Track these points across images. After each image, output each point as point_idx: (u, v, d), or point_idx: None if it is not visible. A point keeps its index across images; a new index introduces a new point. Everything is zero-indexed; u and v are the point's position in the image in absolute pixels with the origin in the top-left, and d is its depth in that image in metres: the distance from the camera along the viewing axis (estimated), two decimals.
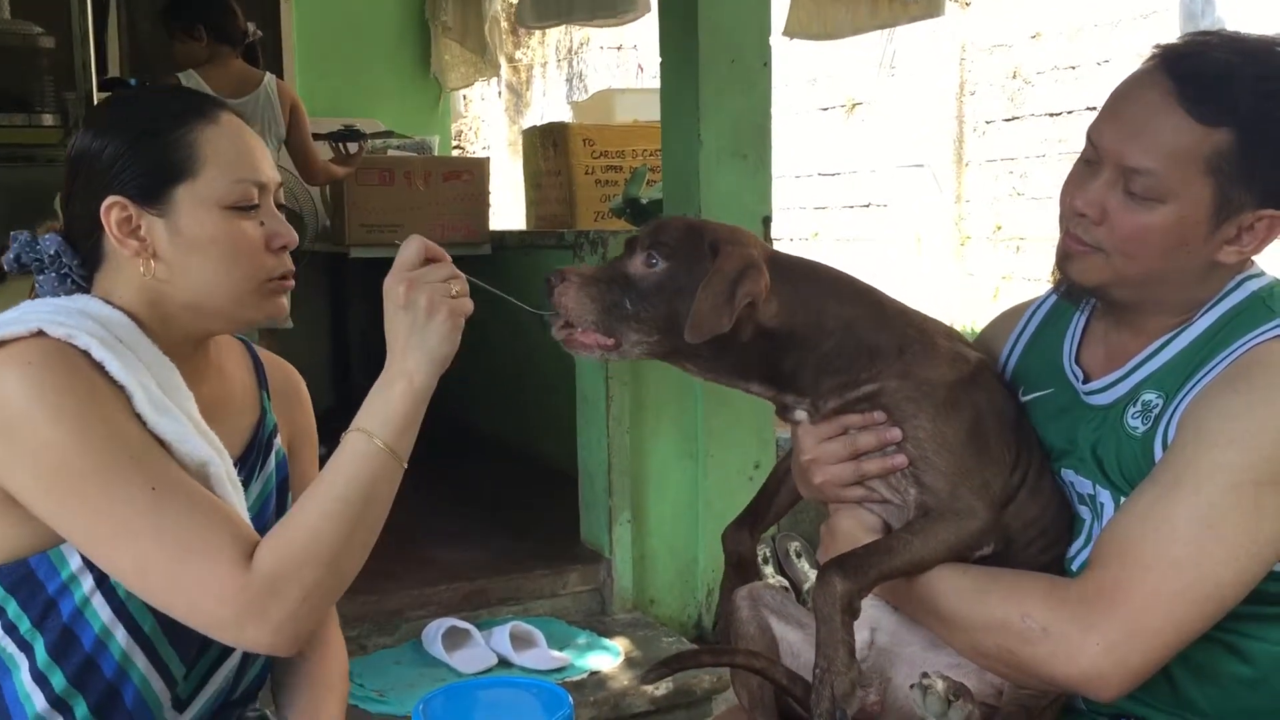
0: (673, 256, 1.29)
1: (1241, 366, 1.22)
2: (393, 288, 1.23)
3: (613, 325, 1.28)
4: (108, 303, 1.31)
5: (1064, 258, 1.33)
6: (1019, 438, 1.35)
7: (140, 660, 1.27)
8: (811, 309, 1.32)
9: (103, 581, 1.24)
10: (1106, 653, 1.17)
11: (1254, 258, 1.31)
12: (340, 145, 4.41)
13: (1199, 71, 1.23)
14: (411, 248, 1.25)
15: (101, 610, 1.25)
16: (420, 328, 1.22)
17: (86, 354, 1.22)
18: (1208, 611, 1.18)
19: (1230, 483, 1.16)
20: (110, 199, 1.29)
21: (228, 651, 1.36)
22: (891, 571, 1.25)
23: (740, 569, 1.49)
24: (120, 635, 1.26)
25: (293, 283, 1.38)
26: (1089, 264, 1.30)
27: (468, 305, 1.26)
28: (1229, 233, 1.25)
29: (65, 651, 1.25)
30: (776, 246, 1.59)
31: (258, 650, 1.24)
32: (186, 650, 1.31)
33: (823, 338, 1.32)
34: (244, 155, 1.33)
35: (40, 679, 1.25)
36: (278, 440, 1.48)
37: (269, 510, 1.44)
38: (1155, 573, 1.17)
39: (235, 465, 1.37)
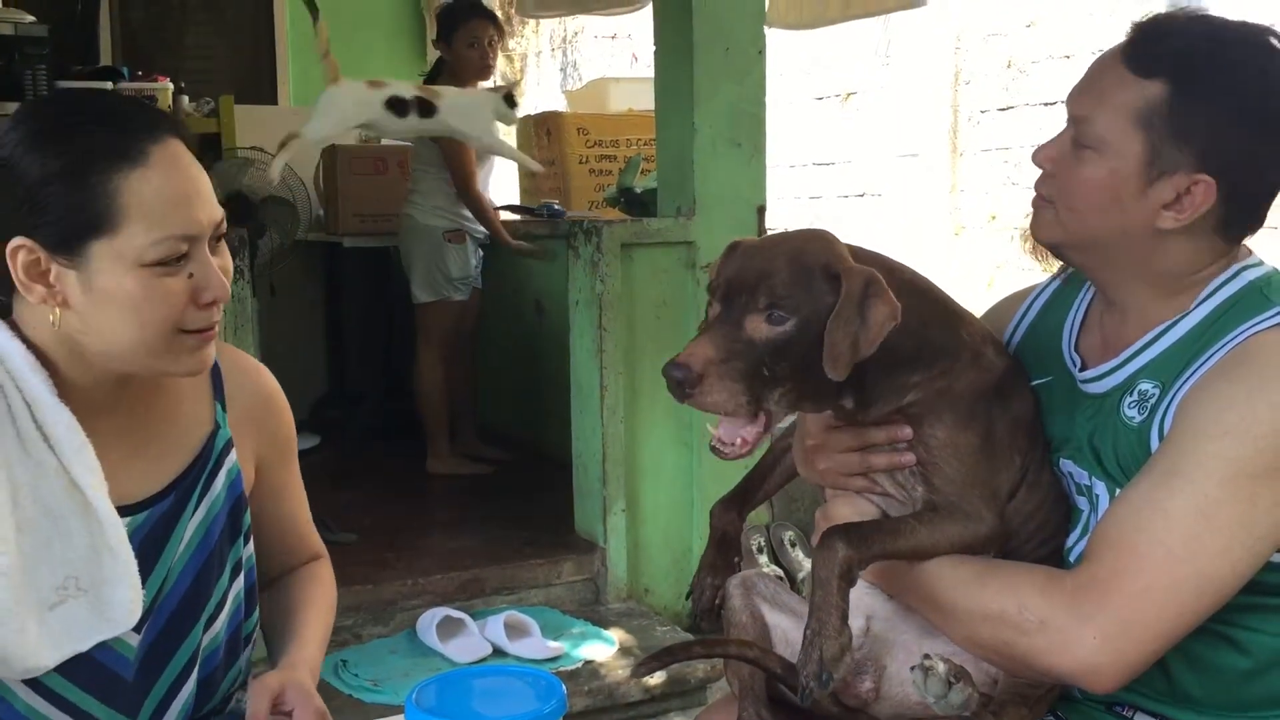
0: (799, 308, 1.19)
1: (1238, 356, 1.21)
2: None
3: (762, 397, 1.20)
4: (16, 333, 1.23)
5: (1031, 216, 1.36)
6: (1030, 438, 1.34)
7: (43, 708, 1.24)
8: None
9: None
10: (1102, 645, 1.16)
11: (1252, 248, 1.31)
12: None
13: (1148, 30, 1.28)
14: (260, 700, 1.25)
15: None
16: None
17: None
18: (1203, 603, 1.17)
19: (1226, 474, 1.16)
20: (17, 241, 1.17)
21: (179, 683, 1.33)
22: (893, 552, 1.25)
23: (723, 546, 1.48)
24: (20, 690, 1.23)
25: (214, 334, 1.27)
26: (1043, 219, 1.34)
27: None
28: (1165, 195, 1.25)
29: None
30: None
31: None
32: (103, 689, 1.27)
33: (903, 337, 1.23)
34: (172, 204, 1.19)
35: None
36: (231, 456, 1.38)
37: (215, 532, 1.36)
38: (1150, 564, 1.16)
39: (168, 491, 1.31)
